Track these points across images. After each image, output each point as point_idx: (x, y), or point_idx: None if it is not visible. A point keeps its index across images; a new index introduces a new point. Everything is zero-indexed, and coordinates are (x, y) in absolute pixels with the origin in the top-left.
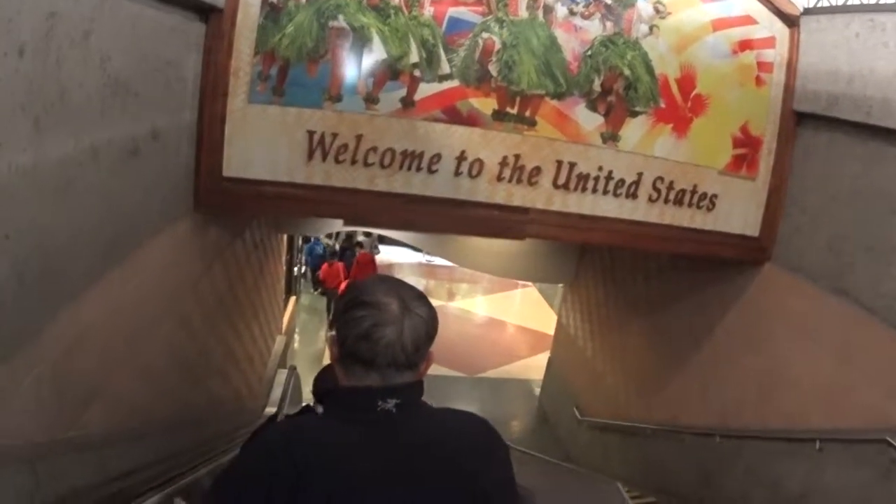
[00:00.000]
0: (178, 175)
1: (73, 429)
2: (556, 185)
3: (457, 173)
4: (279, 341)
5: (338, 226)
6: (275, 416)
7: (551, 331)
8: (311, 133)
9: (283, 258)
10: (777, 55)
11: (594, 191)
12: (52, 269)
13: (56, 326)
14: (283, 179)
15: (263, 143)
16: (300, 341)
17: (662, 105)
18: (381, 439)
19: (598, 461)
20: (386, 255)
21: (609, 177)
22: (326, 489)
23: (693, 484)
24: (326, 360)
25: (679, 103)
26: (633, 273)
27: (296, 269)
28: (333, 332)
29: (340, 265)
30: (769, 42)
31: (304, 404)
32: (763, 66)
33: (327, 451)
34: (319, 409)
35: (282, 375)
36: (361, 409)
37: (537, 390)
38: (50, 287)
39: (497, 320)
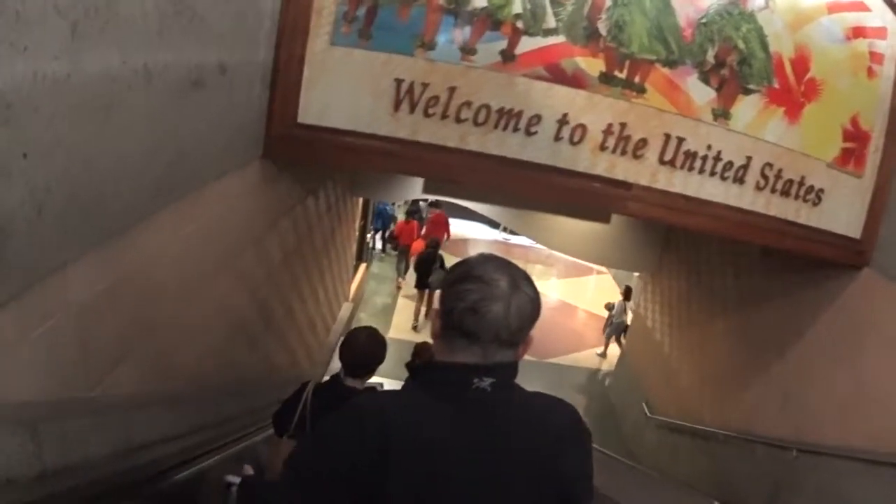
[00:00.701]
0: (247, 117)
1: (98, 389)
2: (661, 161)
3: (557, 138)
4: (345, 308)
5: (416, 192)
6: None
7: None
8: (398, 81)
9: (357, 223)
10: (889, 47)
11: (701, 171)
12: (82, 202)
13: (83, 270)
14: (365, 130)
15: (345, 90)
16: (368, 310)
17: (776, 85)
18: (473, 418)
19: (665, 463)
20: (460, 229)
21: (717, 157)
22: (413, 463)
23: (762, 497)
24: (394, 332)
25: (792, 85)
26: (721, 269)
27: (368, 235)
28: (437, 306)
29: (415, 223)
30: (881, 32)
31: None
32: (875, 56)
33: (418, 426)
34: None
35: None
36: (456, 385)
37: (605, 381)
38: (78, 222)
39: (570, 305)
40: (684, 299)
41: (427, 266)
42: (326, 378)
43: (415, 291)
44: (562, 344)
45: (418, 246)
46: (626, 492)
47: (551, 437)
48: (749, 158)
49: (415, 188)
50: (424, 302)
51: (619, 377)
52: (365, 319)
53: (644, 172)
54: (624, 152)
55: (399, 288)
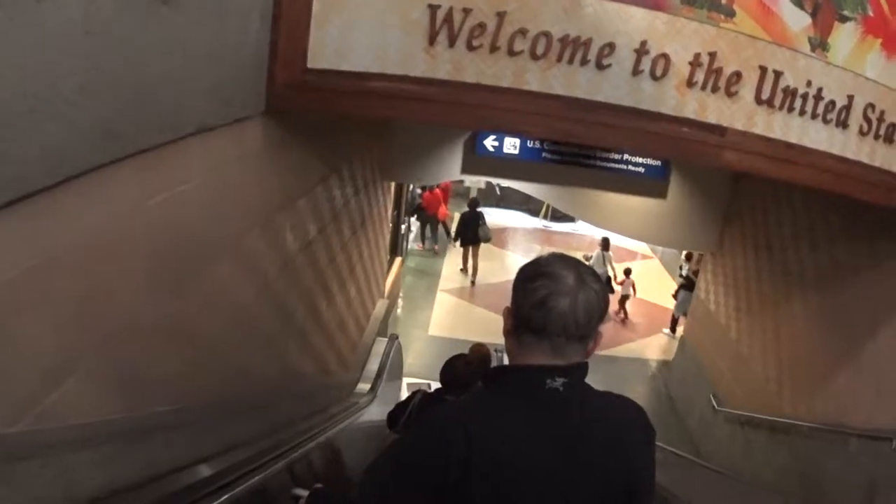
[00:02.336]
0: (242, 59)
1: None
2: (758, 100)
3: (635, 72)
4: (380, 305)
5: (453, 173)
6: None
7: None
8: (433, 8)
9: (390, 212)
10: None
11: (802, 112)
12: None
13: None
14: (395, 72)
15: (366, 23)
16: (405, 307)
17: (871, 13)
18: (547, 417)
19: (738, 460)
20: (498, 218)
21: (819, 96)
22: (494, 467)
23: (857, 497)
24: (433, 330)
25: (887, 15)
26: (794, 242)
27: (403, 227)
28: (508, 305)
29: (439, 191)
30: None
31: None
32: None
33: (497, 431)
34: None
35: (381, 345)
36: (529, 386)
37: (663, 373)
38: None
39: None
40: (752, 278)
41: (473, 223)
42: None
43: (455, 285)
44: (611, 334)
45: (444, 212)
46: (700, 493)
47: (623, 436)
48: (851, 98)
49: (452, 168)
50: (471, 255)
51: (680, 367)
52: (402, 317)
53: (739, 114)
54: (715, 89)
55: (430, 249)
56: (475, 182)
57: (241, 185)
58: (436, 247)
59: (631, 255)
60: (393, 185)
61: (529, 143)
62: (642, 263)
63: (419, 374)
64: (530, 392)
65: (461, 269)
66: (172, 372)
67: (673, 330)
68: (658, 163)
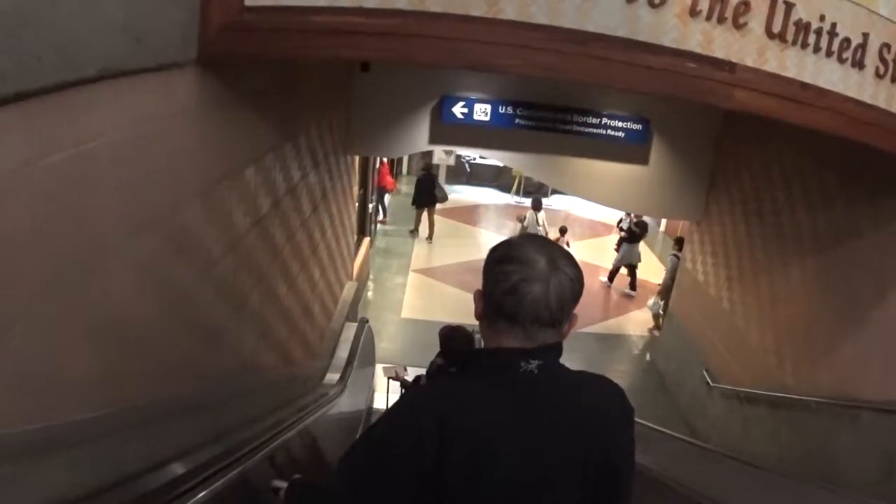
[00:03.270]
0: None
1: None
2: (769, 33)
3: None
4: (349, 288)
5: (421, 143)
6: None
7: (656, 279)
8: None
9: (355, 190)
10: None
11: (816, 49)
12: None
13: None
14: (345, 4)
15: None
16: (375, 290)
17: None
18: (523, 400)
19: (736, 439)
20: (469, 195)
21: (833, 32)
22: (471, 450)
23: (871, 474)
24: (406, 312)
25: None
26: (789, 205)
27: (371, 206)
28: (480, 287)
29: (386, 164)
30: None
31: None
32: None
33: (473, 415)
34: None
35: (351, 330)
36: (504, 370)
37: (647, 349)
38: None
39: (593, 267)
40: (744, 245)
41: (427, 186)
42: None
43: (427, 265)
44: (592, 311)
45: (391, 182)
46: (701, 477)
47: (600, 415)
48: (866, 36)
49: (418, 139)
50: (427, 216)
51: (668, 342)
52: (373, 300)
53: (749, 48)
54: (721, 19)
55: (383, 223)
56: (444, 159)
57: (172, 146)
58: (385, 218)
59: (606, 228)
60: (357, 161)
61: (501, 109)
62: (618, 237)
63: (393, 359)
64: (505, 375)
65: (411, 231)
66: (83, 372)
67: (611, 279)
68: (639, 126)
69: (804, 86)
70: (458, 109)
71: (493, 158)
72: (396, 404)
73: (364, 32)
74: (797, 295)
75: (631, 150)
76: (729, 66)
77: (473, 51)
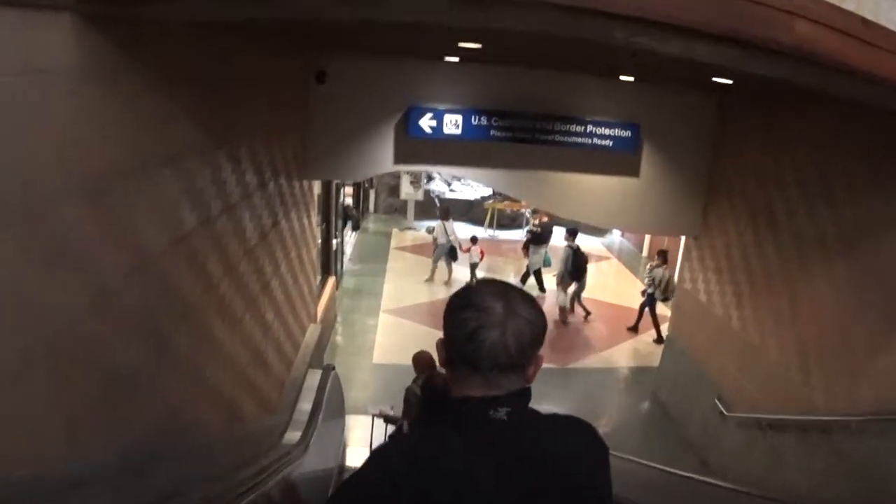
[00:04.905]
0: None
1: None
2: None
3: None
4: (312, 332)
5: (385, 165)
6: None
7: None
8: None
9: (315, 222)
10: None
11: None
12: None
13: None
14: None
15: None
16: (344, 333)
17: None
18: (495, 450)
19: (761, 471)
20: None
21: None
22: (456, 491)
23: None
24: (379, 356)
25: None
26: (806, 201)
27: (335, 240)
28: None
29: None
30: None
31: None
32: None
33: (452, 457)
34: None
35: (315, 378)
36: (474, 418)
37: (645, 379)
38: None
39: (583, 300)
40: (753, 255)
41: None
42: None
43: (398, 305)
44: (582, 343)
45: None
46: None
47: (574, 458)
48: None
49: (383, 159)
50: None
51: (670, 371)
52: (342, 344)
53: None
54: None
55: None
56: (412, 194)
57: (39, 115)
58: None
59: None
60: (317, 190)
61: (474, 120)
62: (597, 266)
63: (367, 409)
64: (474, 424)
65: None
66: None
67: (523, 281)
68: (627, 133)
69: (865, 22)
70: (426, 122)
71: (466, 177)
72: (374, 457)
73: None
74: (825, 302)
75: (620, 160)
76: None
77: None
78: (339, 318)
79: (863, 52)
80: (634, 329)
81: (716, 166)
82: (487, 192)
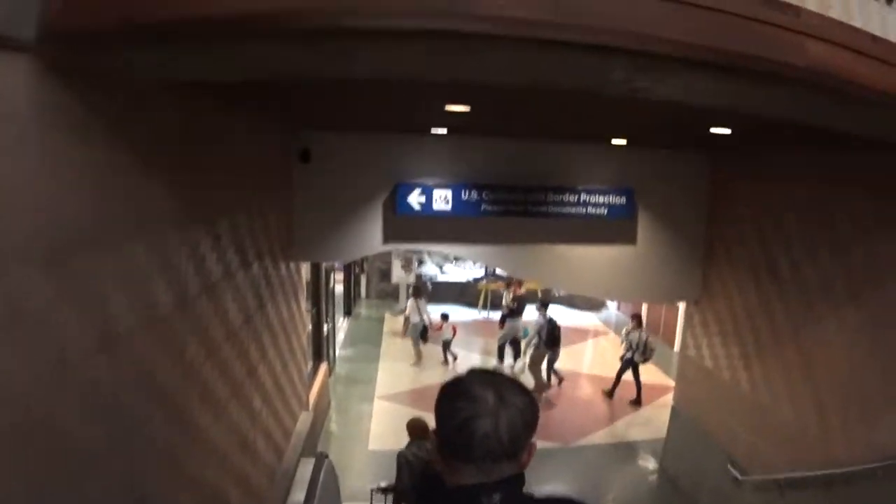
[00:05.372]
0: None
1: None
2: None
3: None
4: (304, 420)
5: (373, 245)
6: None
7: (650, 379)
8: None
9: (305, 307)
10: None
11: None
12: None
13: None
14: None
15: None
16: (338, 420)
17: None
18: None
19: None
20: (433, 314)
21: None
22: None
23: None
24: (374, 443)
25: None
26: (811, 249)
27: (326, 325)
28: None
29: None
30: None
31: None
32: None
33: None
34: None
35: (308, 468)
36: None
37: (652, 451)
38: None
39: (577, 375)
40: (758, 313)
41: None
42: None
43: (393, 390)
44: (587, 420)
45: None
46: None
47: None
48: None
49: (371, 239)
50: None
51: (677, 442)
52: (336, 432)
53: None
54: None
55: None
56: (403, 277)
57: None
58: None
59: (581, 333)
60: (305, 274)
61: (464, 195)
62: (595, 341)
63: (364, 498)
64: None
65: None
66: None
67: (500, 358)
68: (622, 199)
69: (875, 39)
70: (415, 199)
71: (458, 254)
72: None
73: None
74: (837, 350)
75: (616, 228)
76: (794, 10)
77: None
78: (332, 405)
79: (876, 70)
80: (610, 395)
81: (713, 226)
82: (480, 273)
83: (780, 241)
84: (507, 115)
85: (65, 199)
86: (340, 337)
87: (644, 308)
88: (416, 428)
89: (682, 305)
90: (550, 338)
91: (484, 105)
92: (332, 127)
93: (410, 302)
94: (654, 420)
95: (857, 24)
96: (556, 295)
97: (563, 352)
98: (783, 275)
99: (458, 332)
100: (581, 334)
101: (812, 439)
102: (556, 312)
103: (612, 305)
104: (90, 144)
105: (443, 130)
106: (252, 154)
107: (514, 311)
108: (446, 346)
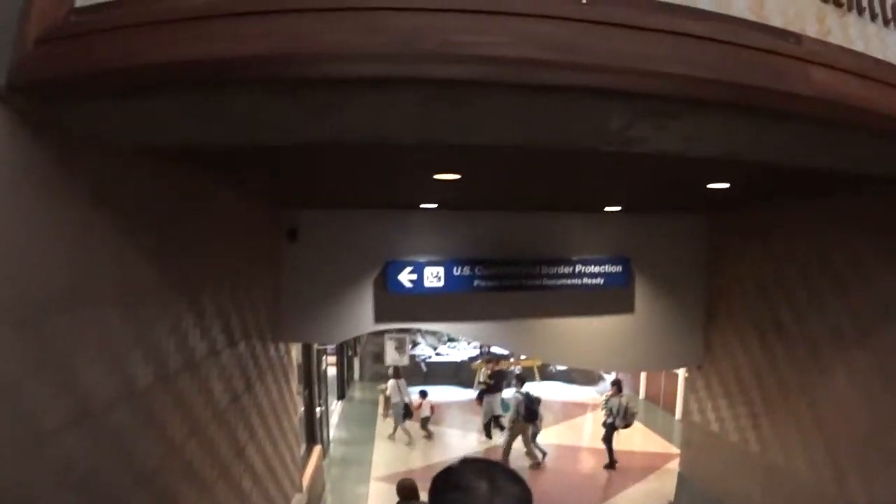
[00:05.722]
0: None
1: None
2: None
3: None
4: (297, 502)
5: (366, 325)
6: None
7: (652, 447)
8: None
9: (295, 387)
10: None
11: (873, 15)
12: None
13: None
14: None
15: None
16: (333, 503)
17: None
18: None
19: None
20: (433, 396)
21: None
22: None
23: None
24: None
25: None
26: (813, 299)
27: (319, 408)
28: None
29: None
30: None
31: None
32: None
33: None
34: None
35: None
36: None
37: None
38: None
39: (576, 449)
40: (765, 371)
41: None
42: None
43: (389, 472)
44: (587, 496)
45: None
46: None
47: None
48: None
49: (362, 319)
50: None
51: None
52: None
53: (807, 14)
54: None
55: None
56: (397, 360)
57: None
58: None
59: (581, 408)
60: (296, 355)
61: (456, 271)
62: (595, 415)
63: None
64: None
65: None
66: None
67: (489, 435)
68: (619, 268)
69: (878, 62)
70: (406, 276)
71: (452, 332)
72: None
73: (226, 14)
74: (850, 397)
75: (613, 297)
76: (795, 37)
77: (410, 24)
78: (327, 488)
79: (883, 94)
80: (611, 465)
81: (714, 287)
82: (475, 352)
83: (783, 295)
84: (499, 185)
85: (37, 261)
86: (334, 419)
87: (643, 377)
88: (404, 489)
89: (681, 372)
90: (528, 412)
91: (474, 172)
92: (319, 205)
93: (391, 383)
94: (659, 489)
95: (858, 48)
96: (554, 370)
97: (563, 427)
98: (788, 328)
99: (451, 413)
100: (580, 408)
101: (830, 493)
102: (554, 388)
103: (609, 378)
104: (65, 205)
105: (433, 205)
106: (238, 230)
107: (492, 388)
108: (425, 422)
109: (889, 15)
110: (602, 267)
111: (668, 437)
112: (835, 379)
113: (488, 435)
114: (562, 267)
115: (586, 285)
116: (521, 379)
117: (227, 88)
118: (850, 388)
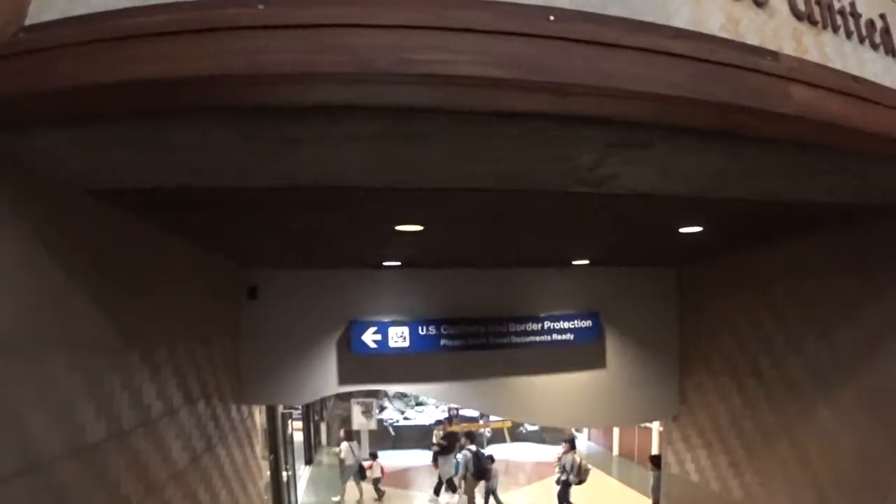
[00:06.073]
0: None
1: None
2: (796, 13)
3: None
4: None
5: (329, 387)
6: None
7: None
8: None
9: (259, 452)
10: None
11: (848, 33)
12: None
13: None
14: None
15: None
16: None
17: None
18: None
19: None
20: (393, 460)
21: (854, 12)
22: None
23: None
24: None
25: None
26: (791, 340)
27: (286, 472)
28: None
29: None
30: None
31: None
32: None
33: None
34: None
35: None
36: None
37: None
38: None
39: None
40: (745, 417)
41: None
42: None
43: None
44: None
45: None
46: None
47: None
48: (883, 17)
49: (326, 380)
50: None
51: None
52: None
53: (783, 32)
54: None
55: None
56: (364, 424)
57: None
58: None
59: (551, 467)
60: (260, 420)
61: (422, 330)
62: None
63: None
64: None
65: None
66: None
67: (436, 493)
68: (588, 322)
69: (856, 79)
70: (370, 337)
71: (418, 393)
72: None
73: (155, 34)
74: (836, 436)
75: (583, 352)
76: (772, 55)
77: (364, 41)
78: None
79: (863, 110)
80: None
81: (686, 337)
82: (443, 416)
83: (760, 340)
84: (463, 238)
85: None
86: (302, 484)
87: (615, 432)
88: None
89: (655, 425)
90: (478, 470)
91: (438, 223)
92: (281, 264)
93: (344, 445)
94: None
95: (836, 65)
96: (525, 431)
97: (537, 487)
98: (766, 372)
99: (409, 475)
100: (550, 468)
101: None
102: (525, 449)
103: (581, 436)
104: (9, 242)
105: (397, 263)
106: (197, 286)
107: (445, 449)
108: (376, 483)
109: (864, 33)
110: (571, 322)
111: (644, 492)
112: (819, 419)
113: (436, 492)
114: (530, 324)
115: (556, 341)
116: (471, 436)
117: (169, 116)
118: (837, 427)
